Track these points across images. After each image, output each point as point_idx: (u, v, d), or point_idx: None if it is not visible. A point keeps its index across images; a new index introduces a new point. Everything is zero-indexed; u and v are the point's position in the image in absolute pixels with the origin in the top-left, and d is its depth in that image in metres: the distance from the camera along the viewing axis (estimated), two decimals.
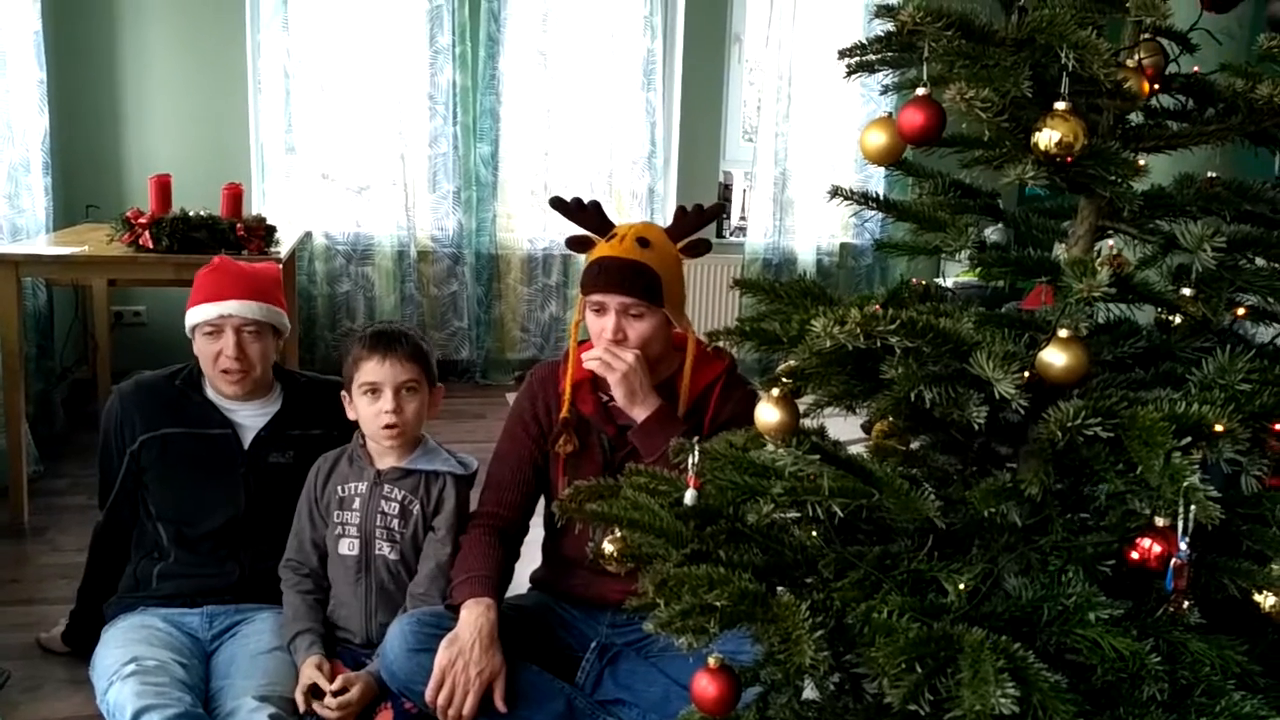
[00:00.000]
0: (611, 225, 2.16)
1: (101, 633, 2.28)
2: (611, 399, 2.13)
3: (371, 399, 2.22)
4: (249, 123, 4.99)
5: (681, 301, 2.16)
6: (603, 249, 2.10)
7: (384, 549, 2.25)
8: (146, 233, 3.42)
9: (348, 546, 2.27)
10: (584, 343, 2.16)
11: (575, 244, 2.19)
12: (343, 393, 2.31)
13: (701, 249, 2.17)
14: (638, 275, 2.04)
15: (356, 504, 2.27)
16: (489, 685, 1.97)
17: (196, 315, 2.35)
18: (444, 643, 1.98)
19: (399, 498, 2.26)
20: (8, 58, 3.90)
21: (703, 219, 2.17)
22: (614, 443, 2.15)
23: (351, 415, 2.29)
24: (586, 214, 2.18)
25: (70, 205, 4.63)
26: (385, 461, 2.28)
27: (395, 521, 2.25)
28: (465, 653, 1.97)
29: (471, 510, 2.25)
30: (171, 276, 3.59)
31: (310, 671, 2.13)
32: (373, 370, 2.21)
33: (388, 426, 2.21)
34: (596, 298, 2.08)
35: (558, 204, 2.21)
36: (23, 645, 2.56)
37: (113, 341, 4.61)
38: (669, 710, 1.98)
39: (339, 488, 2.29)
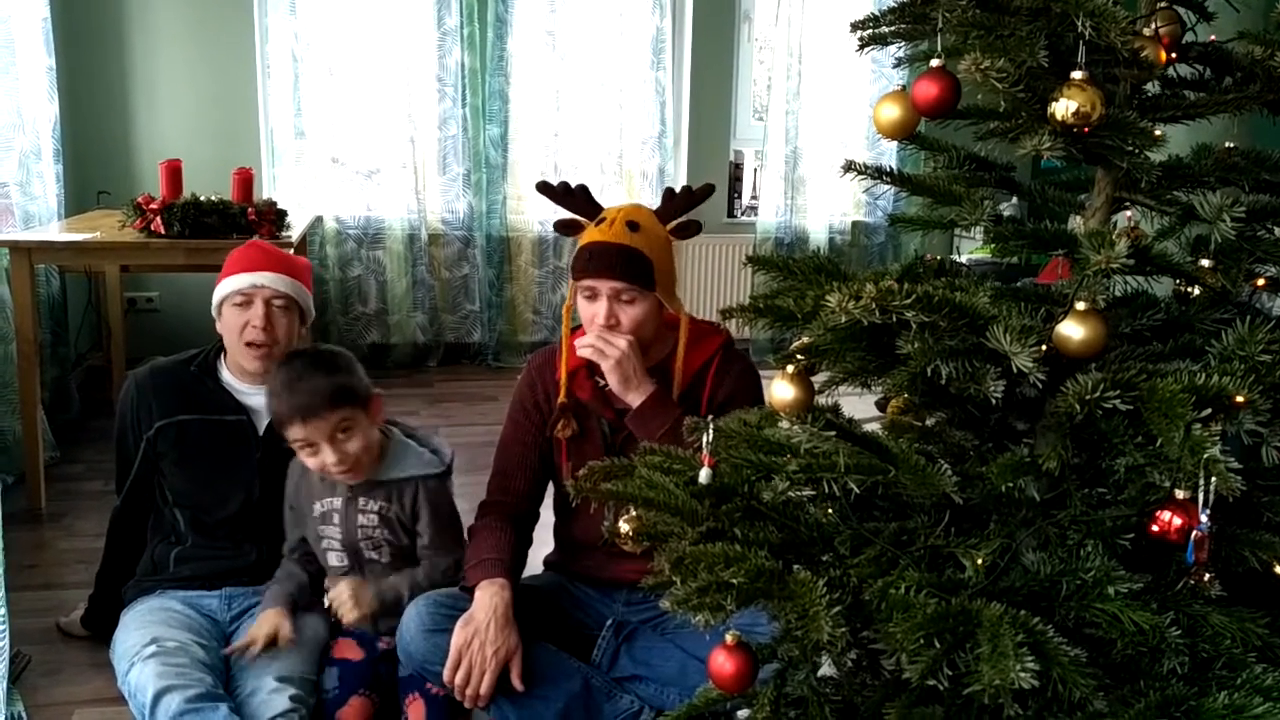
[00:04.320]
0: (599, 208, 2.15)
1: (121, 616, 2.29)
2: (608, 383, 2.13)
3: (311, 451, 2.14)
4: (258, 107, 4.98)
5: (673, 283, 2.14)
6: (592, 233, 2.08)
7: (372, 554, 2.24)
8: (158, 218, 3.43)
9: (336, 559, 2.25)
10: (577, 329, 2.15)
11: (563, 228, 2.18)
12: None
13: (692, 230, 2.15)
14: (628, 260, 2.03)
15: (335, 519, 2.23)
16: (505, 664, 1.98)
17: (228, 286, 2.34)
18: (459, 623, 1.99)
19: (376, 508, 2.21)
20: (17, 46, 3.90)
21: (691, 200, 2.15)
22: (613, 426, 2.14)
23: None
24: (574, 198, 2.17)
25: (81, 192, 4.64)
26: (357, 478, 2.21)
27: (377, 531, 2.22)
28: (481, 632, 1.97)
29: (482, 501, 2.25)
30: (183, 262, 3.60)
31: (266, 621, 2.16)
32: (299, 431, 2.11)
33: (341, 474, 2.15)
34: (588, 283, 2.07)
35: (544, 189, 2.20)
36: (42, 630, 2.58)
37: (126, 327, 4.62)
38: (686, 683, 1.99)
39: (316, 505, 2.24)
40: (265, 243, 2.51)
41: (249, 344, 2.33)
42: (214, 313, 2.39)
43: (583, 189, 2.18)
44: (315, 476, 2.25)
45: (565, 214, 2.19)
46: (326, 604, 2.22)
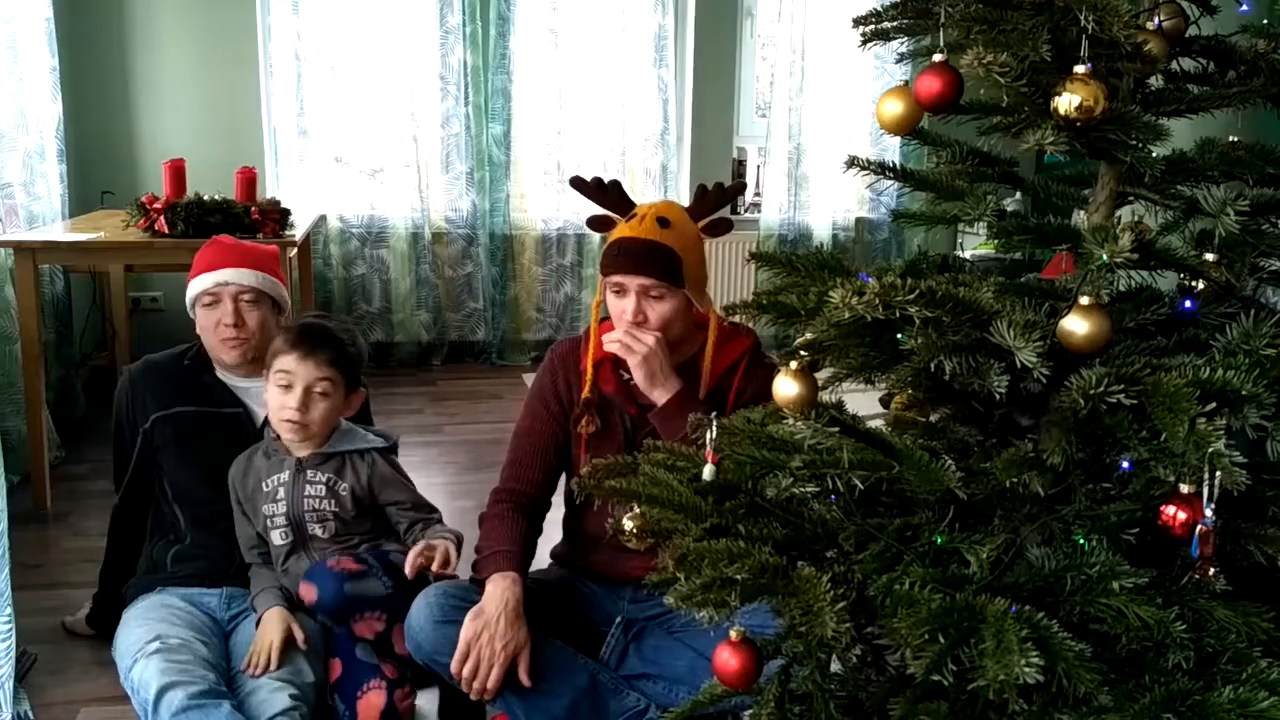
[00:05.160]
0: (632, 205, 2.14)
1: (123, 613, 2.29)
2: (634, 378, 2.13)
3: (282, 391, 2.22)
4: (261, 106, 4.99)
5: (703, 281, 2.14)
6: (622, 229, 2.08)
7: (315, 530, 2.25)
8: (162, 218, 3.43)
9: (280, 536, 2.27)
10: (605, 320, 2.15)
11: (596, 224, 2.18)
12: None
13: (723, 228, 2.15)
14: (657, 256, 2.03)
15: (281, 494, 2.26)
16: (514, 659, 1.98)
17: (196, 287, 2.39)
18: (469, 616, 1.99)
19: (323, 480, 2.26)
20: (20, 46, 3.90)
21: (724, 198, 2.15)
22: (636, 422, 2.14)
23: (265, 398, 2.29)
24: (606, 194, 2.16)
25: (85, 192, 4.65)
26: (303, 450, 2.28)
27: (323, 503, 2.25)
28: (490, 626, 1.97)
29: (495, 487, 2.25)
30: (187, 261, 3.53)
31: (274, 623, 2.15)
32: (289, 363, 2.22)
33: (289, 421, 2.22)
34: (616, 279, 2.06)
35: (578, 184, 2.19)
36: (48, 629, 2.58)
37: (131, 327, 4.63)
38: (696, 682, 1.98)
39: (265, 484, 2.28)
40: (229, 238, 2.52)
41: (222, 340, 2.35)
42: (190, 312, 2.41)
43: (615, 184, 2.17)
44: (262, 458, 2.30)
45: (598, 210, 2.18)
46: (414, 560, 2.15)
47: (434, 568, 2.12)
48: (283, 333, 2.28)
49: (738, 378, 2.13)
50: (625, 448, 2.08)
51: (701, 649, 2.04)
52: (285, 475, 2.26)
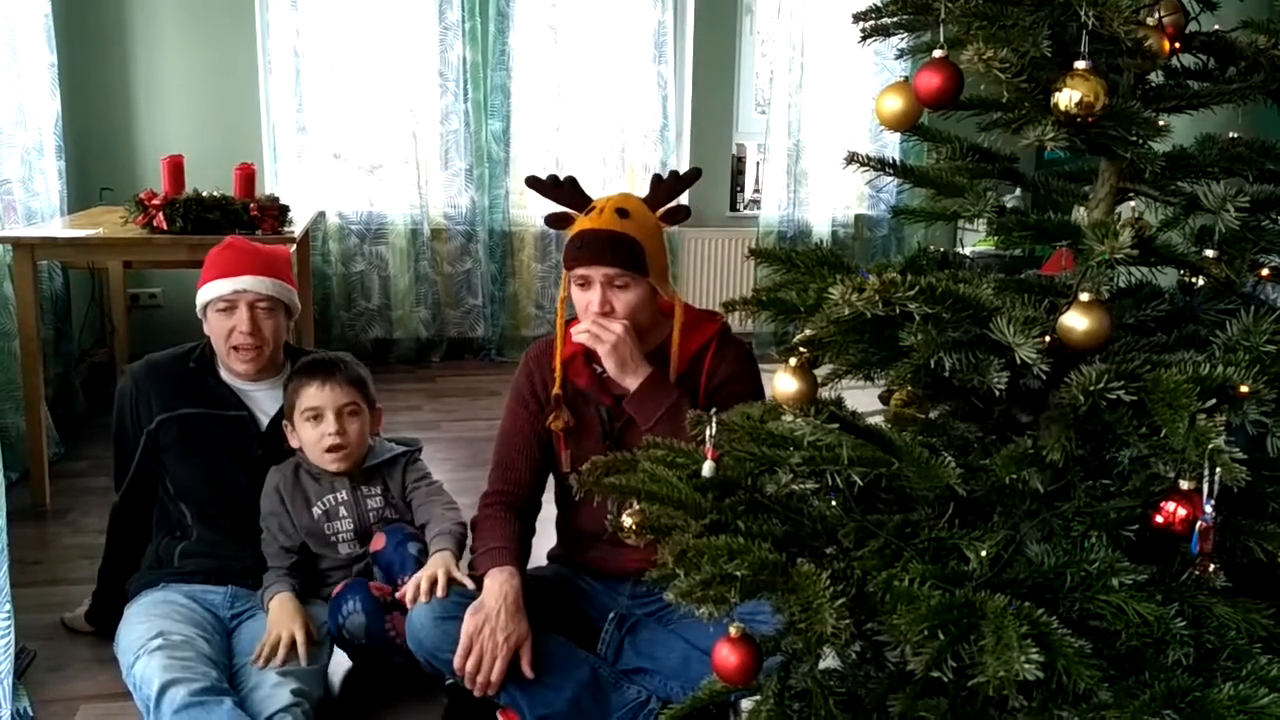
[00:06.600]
0: (589, 199, 2.16)
1: (125, 609, 2.29)
2: (605, 369, 2.13)
3: (314, 424, 2.32)
4: (260, 103, 4.98)
5: (665, 269, 2.16)
6: (582, 222, 2.10)
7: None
8: (160, 214, 3.42)
9: (348, 549, 2.37)
10: (571, 319, 2.16)
11: (554, 221, 2.19)
12: (284, 422, 2.37)
13: (681, 215, 2.19)
14: (620, 246, 2.04)
15: (343, 511, 2.36)
16: (516, 651, 1.98)
17: (210, 292, 2.35)
18: (470, 610, 1.99)
19: (378, 491, 2.39)
20: (18, 42, 3.89)
21: (679, 185, 2.16)
22: (612, 413, 2.15)
23: (294, 443, 2.36)
24: (562, 190, 2.18)
25: (84, 188, 4.64)
26: (350, 470, 2.38)
27: (384, 511, 2.38)
28: (492, 619, 1.98)
29: (484, 491, 2.25)
30: (186, 258, 3.59)
31: (284, 617, 2.17)
32: (314, 395, 2.32)
33: (332, 449, 2.30)
34: (580, 271, 2.08)
35: (533, 182, 2.21)
36: (47, 625, 2.58)
37: (130, 324, 4.63)
38: (689, 675, 1.99)
39: (315, 507, 2.35)
40: (243, 240, 2.50)
41: (235, 348, 2.35)
42: (199, 314, 2.40)
43: (571, 180, 2.19)
44: (308, 479, 2.36)
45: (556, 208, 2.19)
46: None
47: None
48: (294, 375, 2.36)
49: (708, 358, 2.14)
50: (604, 439, 2.10)
51: (696, 641, 2.04)
52: (344, 494, 2.36)
